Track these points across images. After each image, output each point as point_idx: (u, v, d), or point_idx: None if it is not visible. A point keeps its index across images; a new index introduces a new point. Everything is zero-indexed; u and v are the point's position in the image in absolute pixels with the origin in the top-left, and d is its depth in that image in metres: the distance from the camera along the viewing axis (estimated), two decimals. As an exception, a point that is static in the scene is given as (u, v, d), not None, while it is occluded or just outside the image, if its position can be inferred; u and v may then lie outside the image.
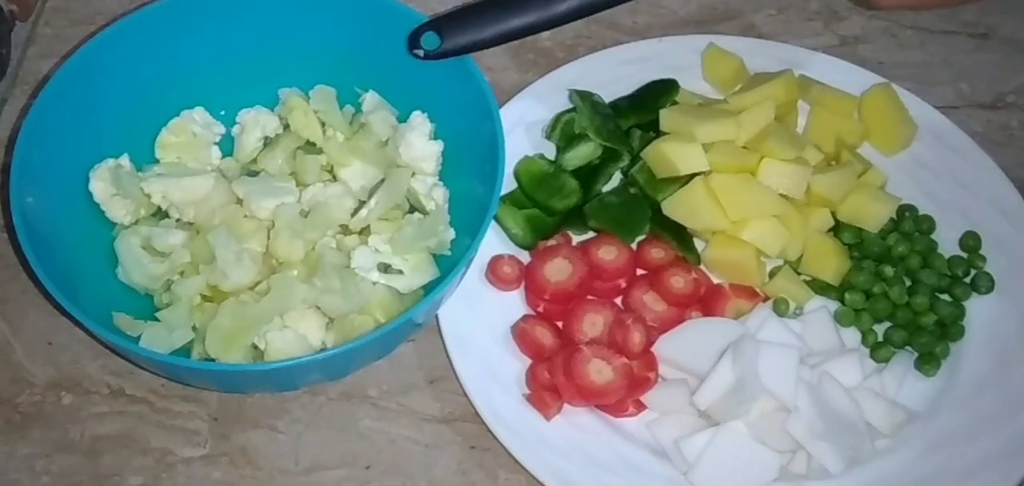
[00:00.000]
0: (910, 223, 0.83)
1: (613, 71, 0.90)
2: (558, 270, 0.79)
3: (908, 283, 0.80)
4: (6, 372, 0.78)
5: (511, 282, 0.80)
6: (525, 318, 0.78)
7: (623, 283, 0.80)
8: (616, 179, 0.85)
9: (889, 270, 0.80)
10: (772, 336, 0.75)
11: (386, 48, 0.82)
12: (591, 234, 0.82)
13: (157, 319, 0.75)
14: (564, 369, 0.74)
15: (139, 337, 0.73)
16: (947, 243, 0.82)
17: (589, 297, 0.79)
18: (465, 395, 0.75)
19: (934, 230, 0.83)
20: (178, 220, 0.80)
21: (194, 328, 0.75)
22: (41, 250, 0.70)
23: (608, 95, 0.88)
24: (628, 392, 0.74)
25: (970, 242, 0.82)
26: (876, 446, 0.74)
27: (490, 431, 0.73)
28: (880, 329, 0.79)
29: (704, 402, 0.73)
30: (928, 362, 0.77)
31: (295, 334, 0.74)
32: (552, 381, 0.75)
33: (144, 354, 0.71)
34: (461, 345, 0.76)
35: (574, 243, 0.82)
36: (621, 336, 0.76)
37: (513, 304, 0.79)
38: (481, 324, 0.78)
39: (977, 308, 0.80)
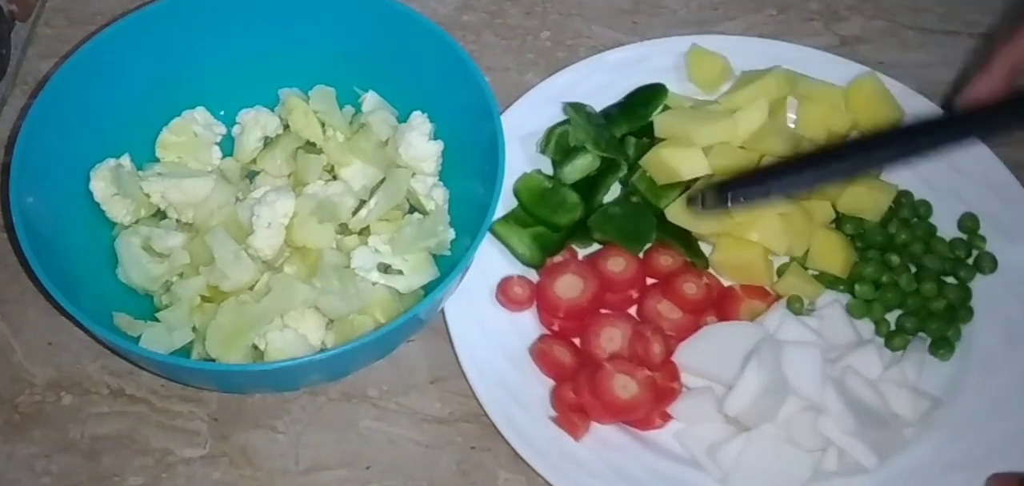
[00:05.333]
0: (908, 209, 0.83)
1: (597, 79, 0.89)
2: (569, 286, 0.78)
3: (913, 269, 0.80)
4: (6, 372, 0.78)
5: (523, 303, 0.79)
6: (542, 338, 0.77)
7: (634, 294, 0.80)
8: (615, 189, 0.84)
9: (895, 259, 0.80)
10: (791, 335, 0.75)
11: (386, 48, 0.82)
12: (596, 247, 0.82)
13: (157, 319, 0.75)
14: (589, 387, 0.73)
15: (139, 337, 0.73)
16: (944, 226, 0.83)
17: (604, 311, 0.78)
18: (465, 395, 0.75)
19: (931, 214, 0.83)
20: (178, 221, 0.80)
21: (194, 328, 0.75)
22: (41, 250, 0.70)
23: (595, 103, 0.87)
24: (655, 405, 0.74)
25: (968, 223, 0.82)
26: (901, 435, 0.74)
27: (520, 456, 0.72)
28: (891, 318, 0.79)
29: (734, 409, 0.72)
30: (942, 346, 0.77)
31: (295, 334, 0.74)
32: (578, 401, 0.74)
33: (144, 354, 0.71)
34: (482, 374, 0.75)
35: (580, 257, 0.81)
36: (642, 348, 0.75)
37: (527, 324, 0.78)
38: (499, 349, 0.76)
39: (982, 288, 0.80)
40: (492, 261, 0.80)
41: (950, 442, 0.73)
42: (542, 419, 0.74)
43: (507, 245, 0.81)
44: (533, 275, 0.80)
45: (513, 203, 0.83)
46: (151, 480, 0.74)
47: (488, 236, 0.80)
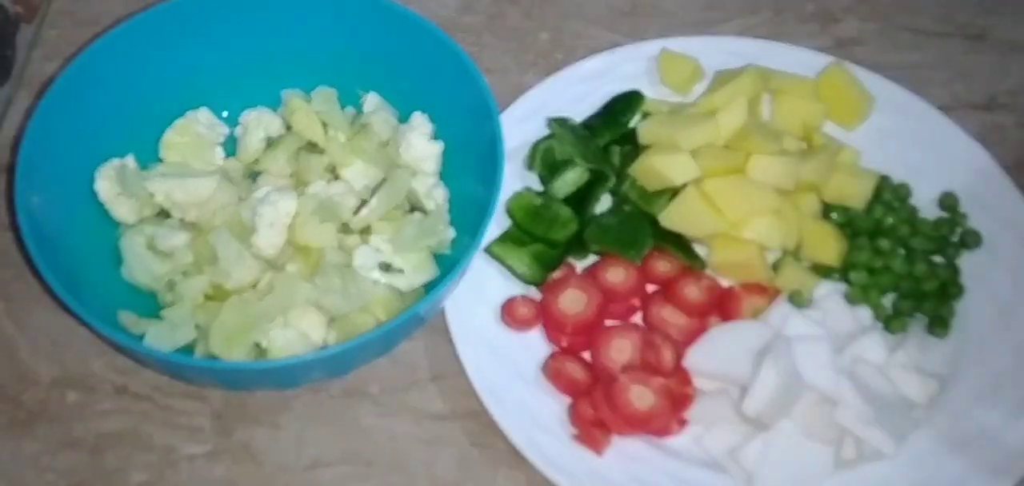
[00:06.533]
0: (890, 193, 0.84)
1: (572, 90, 0.88)
2: (573, 301, 0.78)
3: (902, 251, 0.81)
4: (11, 370, 0.79)
5: (529, 322, 0.79)
6: (553, 356, 0.77)
7: (636, 302, 0.80)
8: (605, 200, 0.84)
9: (886, 243, 0.81)
10: (798, 329, 0.75)
11: (387, 50, 0.83)
12: (593, 258, 0.82)
13: (161, 318, 0.75)
14: (607, 401, 0.74)
15: (143, 335, 0.74)
16: (923, 207, 0.84)
17: (611, 323, 0.78)
18: (465, 392, 0.76)
19: (910, 196, 0.84)
20: (181, 220, 0.80)
21: (197, 326, 0.75)
22: (46, 249, 0.71)
23: (573, 115, 0.87)
24: (672, 412, 0.74)
25: (948, 201, 0.84)
26: (912, 417, 0.75)
27: (541, 474, 0.73)
28: (887, 302, 0.80)
29: (753, 409, 0.73)
30: (938, 325, 0.78)
31: (297, 332, 0.74)
32: (597, 416, 0.74)
33: (148, 352, 0.71)
34: (503, 404, 0.74)
35: (579, 270, 0.81)
36: (653, 356, 0.75)
37: (534, 343, 0.78)
38: (514, 373, 0.76)
39: (969, 264, 0.81)
40: (493, 283, 0.80)
41: (959, 419, 0.74)
42: (564, 438, 0.74)
43: (506, 266, 0.81)
44: (534, 293, 0.80)
45: (506, 222, 0.83)
46: (155, 476, 0.75)
47: (487, 258, 0.80)
